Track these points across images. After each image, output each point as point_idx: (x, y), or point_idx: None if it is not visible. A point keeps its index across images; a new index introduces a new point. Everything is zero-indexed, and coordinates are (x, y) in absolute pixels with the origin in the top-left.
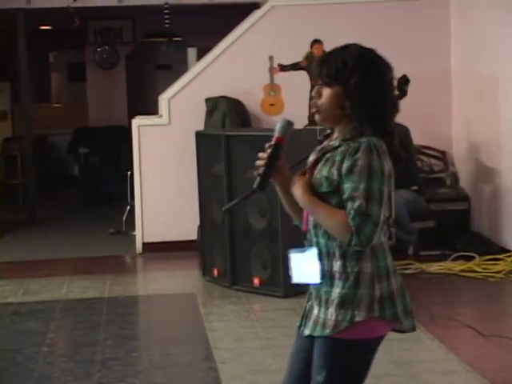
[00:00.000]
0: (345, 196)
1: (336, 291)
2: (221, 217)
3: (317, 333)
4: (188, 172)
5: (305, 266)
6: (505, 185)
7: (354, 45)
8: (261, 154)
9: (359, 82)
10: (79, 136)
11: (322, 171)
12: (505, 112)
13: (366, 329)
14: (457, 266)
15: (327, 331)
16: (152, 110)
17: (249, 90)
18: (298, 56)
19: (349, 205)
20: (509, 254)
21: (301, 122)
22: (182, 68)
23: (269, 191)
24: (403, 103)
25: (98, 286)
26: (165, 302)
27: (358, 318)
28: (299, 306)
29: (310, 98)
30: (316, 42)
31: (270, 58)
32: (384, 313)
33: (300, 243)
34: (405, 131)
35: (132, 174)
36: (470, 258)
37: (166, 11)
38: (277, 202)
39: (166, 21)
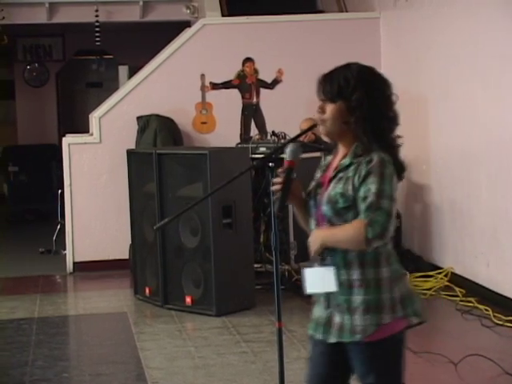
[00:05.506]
0: (360, 198)
1: (358, 298)
2: (153, 235)
3: (346, 339)
4: (119, 190)
5: (321, 278)
6: (435, 202)
7: (355, 63)
8: (275, 180)
9: (361, 98)
10: (8, 154)
11: (336, 188)
12: (434, 131)
13: (391, 327)
14: None
15: (358, 337)
16: (83, 128)
17: (180, 108)
18: (230, 74)
19: (361, 205)
20: (439, 271)
21: (232, 140)
22: (113, 86)
23: (199, 210)
24: None
25: (27, 306)
26: (96, 321)
27: (384, 321)
28: (231, 325)
29: (243, 117)
30: (248, 60)
31: (202, 76)
32: (406, 311)
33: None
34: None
35: (62, 193)
36: None
37: (97, 29)
38: (208, 221)
39: (97, 38)
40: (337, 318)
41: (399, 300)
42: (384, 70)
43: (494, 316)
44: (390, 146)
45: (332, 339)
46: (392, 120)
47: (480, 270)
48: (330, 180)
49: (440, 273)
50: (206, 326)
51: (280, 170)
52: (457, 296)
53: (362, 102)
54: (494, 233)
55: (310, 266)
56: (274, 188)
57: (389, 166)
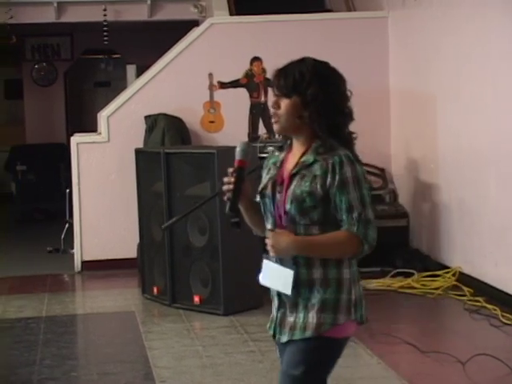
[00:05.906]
0: (342, 207)
1: (317, 296)
2: (161, 234)
3: (296, 337)
4: (127, 189)
5: (279, 277)
6: (443, 201)
7: (309, 58)
8: (226, 179)
9: (316, 93)
10: (16, 153)
11: (301, 187)
12: (442, 129)
13: (342, 330)
14: (396, 283)
15: (308, 333)
16: (91, 128)
17: (188, 108)
18: (238, 73)
19: (347, 216)
20: (447, 270)
21: (240, 139)
22: (121, 85)
23: (207, 209)
24: None
25: (35, 304)
26: (104, 320)
27: (339, 322)
28: (239, 324)
29: (251, 116)
30: (255, 59)
31: (210, 75)
32: (357, 315)
33: (237, 260)
34: None
35: (71, 192)
36: (409, 275)
37: (105, 28)
38: (216, 220)
39: (105, 38)
40: (289, 318)
41: (354, 303)
42: (392, 69)
43: (502, 315)
44: (347, 141)
45: (284, 339)
46: (347, 115)
47: (488, 270)
48: (291, 177)
49: (448, 272)
50: (214, 325)
51: (230, 169)
52: (465, 295)
53: (317, 96)
54: (502, 232)
55: (268, 259)
56: (224, 188)
57: (357, 165)
